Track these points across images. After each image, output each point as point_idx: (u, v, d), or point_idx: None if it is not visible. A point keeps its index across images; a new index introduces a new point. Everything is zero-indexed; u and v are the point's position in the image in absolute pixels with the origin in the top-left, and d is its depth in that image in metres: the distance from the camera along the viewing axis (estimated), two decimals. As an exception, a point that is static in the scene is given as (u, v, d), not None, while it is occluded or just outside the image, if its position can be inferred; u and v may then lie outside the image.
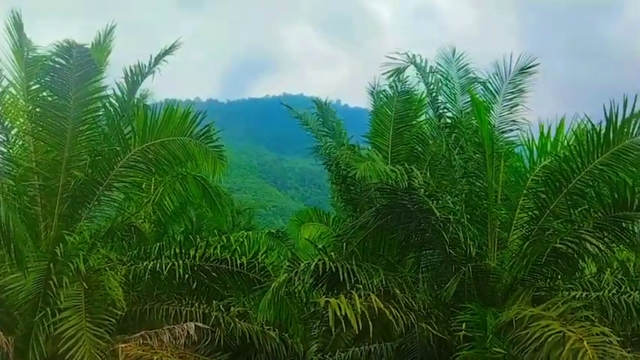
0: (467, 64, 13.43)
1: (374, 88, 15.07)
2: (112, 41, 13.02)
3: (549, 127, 12.03)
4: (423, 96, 14.21)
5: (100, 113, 11.77)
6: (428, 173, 11.84)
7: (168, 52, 12.44)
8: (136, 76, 12.37)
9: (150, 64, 12.41)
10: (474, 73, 13.17)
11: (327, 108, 15.34)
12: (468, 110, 12.70)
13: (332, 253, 11.46)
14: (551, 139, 12.01)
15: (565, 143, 11.72)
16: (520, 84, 12.72)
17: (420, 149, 13.85)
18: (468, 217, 11.48)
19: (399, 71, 13.40)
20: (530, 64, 12.68)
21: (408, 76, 14.06)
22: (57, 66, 10.87)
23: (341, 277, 10.65)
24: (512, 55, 12.67)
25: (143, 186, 13.03)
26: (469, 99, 12.51)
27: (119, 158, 11.49)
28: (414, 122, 14.42)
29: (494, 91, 12.66)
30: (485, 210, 11.70)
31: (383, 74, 13.45)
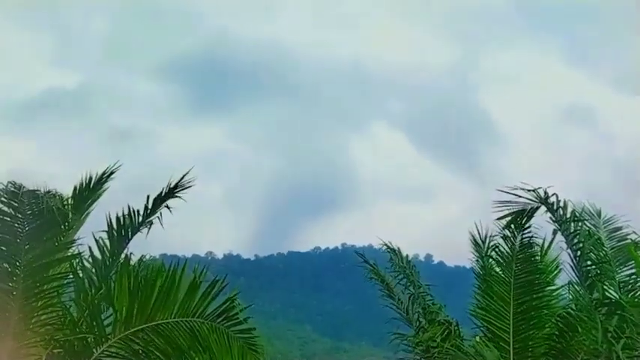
0: (622, 227, 12.24)
1: (481, 239, 13.09)
2: (108, 183, 11.64)
3: None
4: (553, 256, 12.56)
5: (65, 282, 10.42)
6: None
7: (175, 190, 10.82)
8: (125, 229, 10.85)
9: (146, 211, 10.87)
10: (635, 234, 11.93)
11: (410, 269, 12.60)
12: (632, 286, 11.53)
13: None
14: None
15: None
16: None
17: (563, 338, 11.43)
18: None
19: (524, 214, 11.29)
20: None
21: (530, 226, 11.88)
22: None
23: None
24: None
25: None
26: (630, 272, 11.50)
27: (90, 352, 9.84)
28: (549, 294, 12.29)
29: None
30: None
31: (498, 219, 11.45)
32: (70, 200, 10.92)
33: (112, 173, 11.63)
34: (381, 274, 13.41)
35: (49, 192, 10.12)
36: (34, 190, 9.85)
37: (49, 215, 9.85)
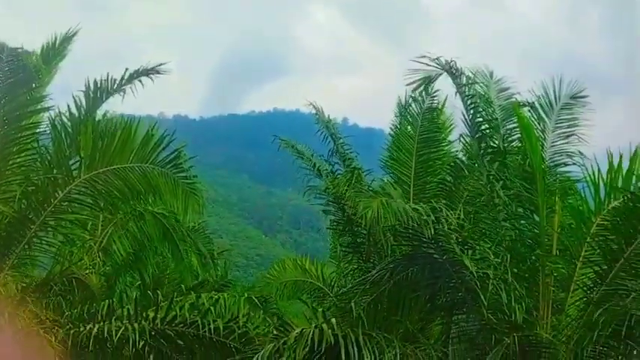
0: (509, 88, 13.62)
1: (398, 103, 15.04)
2: (70, 45, 13.42)
3: (620, 158, 11.60)
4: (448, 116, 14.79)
5: (38, 131, 12.05)
6: (462, 214, 11.71)
7: (151, 70, 12.42)
8: (101, 91, 12.32)
9: (122, 80, 12.41)
10: (519, 95, 13.36)
11: (331, 125, 14.64)
12: (512, 138, 12.90)
13: (333, 319, 11.29)
14: (624, 173, 11.59)
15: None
16: (575, 110, 12.90)
17: (452, 182, 13.87)
18: (514, 271, 11.34)
19: (428, 80, 13.09)
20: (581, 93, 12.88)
21: (437, 91, 14.21)
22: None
23: (344, 351, 10.53)
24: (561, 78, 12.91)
25: (88, 226, 13.07)
26: (512, 126, 12.80)
27: (59, 190, 11.58)
28: (444, 147, 14.60)
29: (544, 116, 12.78)
30: (536, 263, 11.64)
31: (408, 84, 13.20)
32: (39, 59, 12.14)
33: (74, 35, 13.08)
34: (291, 142, 15.41)
35: (24, 50, 11.24)
36: (14, 48, 10.95)
37: (25, 71, 11.07)
